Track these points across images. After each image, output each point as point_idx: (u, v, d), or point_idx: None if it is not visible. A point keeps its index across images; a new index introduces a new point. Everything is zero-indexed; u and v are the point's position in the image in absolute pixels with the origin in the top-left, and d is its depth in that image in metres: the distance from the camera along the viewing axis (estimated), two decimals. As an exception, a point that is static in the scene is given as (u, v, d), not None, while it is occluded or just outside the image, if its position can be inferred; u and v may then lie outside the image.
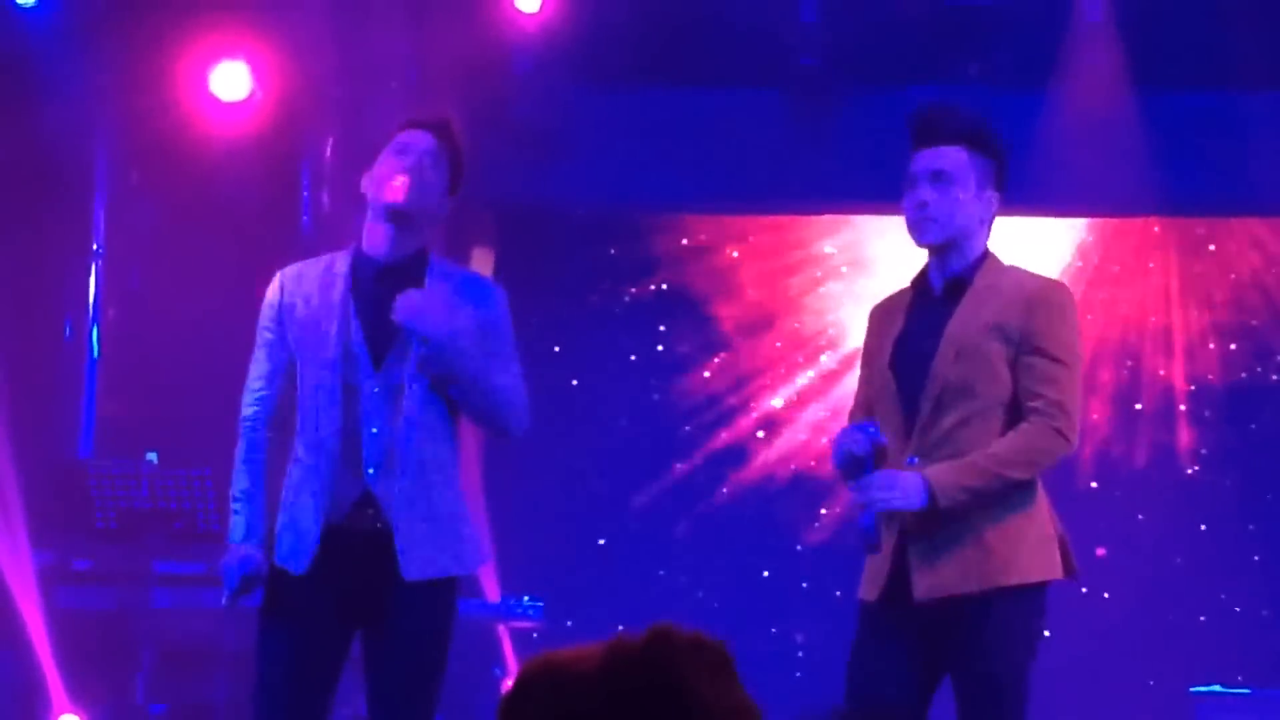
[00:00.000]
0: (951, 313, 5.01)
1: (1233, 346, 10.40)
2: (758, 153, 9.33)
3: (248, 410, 5.29)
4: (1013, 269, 5.11)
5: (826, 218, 10.57)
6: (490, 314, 5.24)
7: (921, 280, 5.13)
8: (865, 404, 5.18)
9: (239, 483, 5.25)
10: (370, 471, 5.12)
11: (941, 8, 8.94)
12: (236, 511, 5.24)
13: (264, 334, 5.27)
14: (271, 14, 8.91)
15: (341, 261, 5.27)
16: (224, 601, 5.21)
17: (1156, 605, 10.17)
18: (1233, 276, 10.41)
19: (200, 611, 8.09)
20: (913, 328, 5.07)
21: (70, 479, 8.37)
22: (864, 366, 5.24)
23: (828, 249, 10.63)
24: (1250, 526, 10.18)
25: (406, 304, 5.09)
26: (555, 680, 2.07)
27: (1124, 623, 10.18)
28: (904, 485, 4.90)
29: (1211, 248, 10.46)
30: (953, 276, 5.05)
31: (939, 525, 4.91)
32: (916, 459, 4.97)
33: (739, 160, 9.40)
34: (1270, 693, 8.70)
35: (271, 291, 5.28)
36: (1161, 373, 10.48)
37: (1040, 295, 5.02)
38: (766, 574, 10.53)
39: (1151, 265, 10.56)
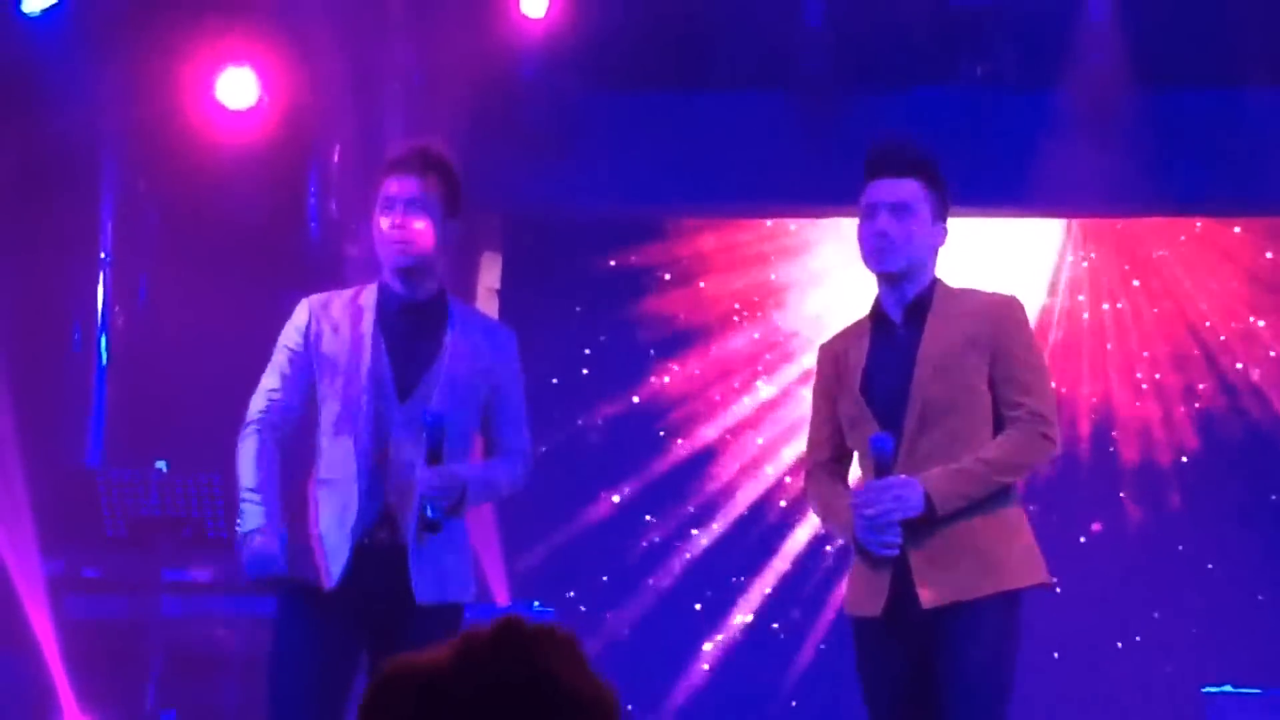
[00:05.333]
0: (919, 335, 5.16)
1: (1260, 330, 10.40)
2: (764, 156, 9.33)
3: (256, 409, 5.45)
4: (965, 290, 5.29)
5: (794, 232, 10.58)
6: (502, 361, 5.49)
7: (878, 310, 5.27)
8: (829, 438, 5.31)
9: (251, 477, 5.38)
10: (392, 497, 5.31)
11: (945, 9, 8.94)
12: (253, 502, 5.35)
13: (285, 350, 5.47)
14: (278, 21, 8.91)
15: (368, 295, 5.48)
16: (248, 579, 5.34)
17: (1168, 604, 10.16)
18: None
19: (210, 618, 8.10)
20: (879, 355, 5.21)
21: (79, 487, 8.37)
22: (822, 402, 5.34)
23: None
24: (1263, 524, 10.16)
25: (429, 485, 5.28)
26: (410, 678, 2.06)
27: (1135, 622, 10.17)
28: (902, 493, 5.01)
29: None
30: (910, 302, 5.19)
31: (935, 535, 5.04)
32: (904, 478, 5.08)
33: (745, 164, 9.39)
34: (1282, 692, 8.69)
35: (299, 316, 5.47)
36: (1177, 370, 10.48)
37: (1004, 309, 5.22)
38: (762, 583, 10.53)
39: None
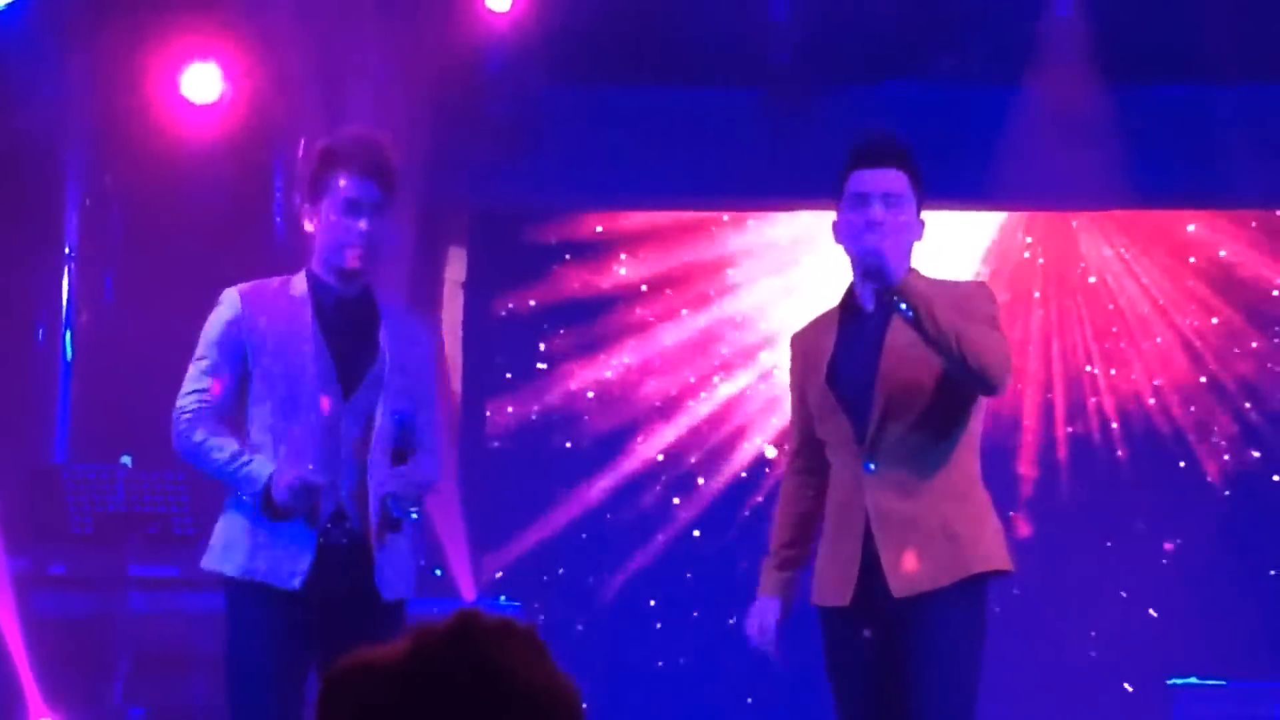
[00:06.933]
0: (888, 322, 5.10)
1: (1214, 321, 10.43)
2: (730, 150, 9.32)
3: (188, 406, 5.27)
4: (936, 280, 5.22)
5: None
6: (426, 357, 5.44)
7: (850, 299, 5.22)
8: (802, 429, 5.28)
9: (226, 449, 5.22)
10: (344, 494, 5.23)
11: (911, 3, 8.94)
12: (248, 462, 5.20)
13: (215, 348, 5.28)
14: (242, 15, 8.88)
15: (298, 286, 5.34)
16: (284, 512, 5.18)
17: (1134, 598, 10.19)
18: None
19: (177, 615, 8.08)
20: (848, 342, 5.17)
21: (45, 484, 8.34)
22: (795, 393, 5.32)
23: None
24: (1229, 518, 10.20)
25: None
26: (362, 673, 2.04)
27: (1102, 615, 10.20)
28: (898, 252, 4.99)
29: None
30: (883, 291, 5.10)
31: (904, 523, 5.03)
32: (873, 465, 5.05)
33: (711, 158, 9.39)
34: (1247, 684, 8.73)
35: (229, 309, 5.31)
36: (1132, 365, 10.51)
37: (971, 294, 5.17)
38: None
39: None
